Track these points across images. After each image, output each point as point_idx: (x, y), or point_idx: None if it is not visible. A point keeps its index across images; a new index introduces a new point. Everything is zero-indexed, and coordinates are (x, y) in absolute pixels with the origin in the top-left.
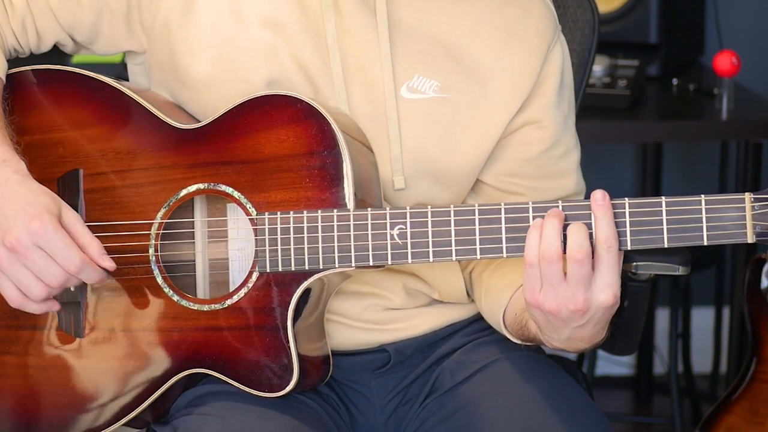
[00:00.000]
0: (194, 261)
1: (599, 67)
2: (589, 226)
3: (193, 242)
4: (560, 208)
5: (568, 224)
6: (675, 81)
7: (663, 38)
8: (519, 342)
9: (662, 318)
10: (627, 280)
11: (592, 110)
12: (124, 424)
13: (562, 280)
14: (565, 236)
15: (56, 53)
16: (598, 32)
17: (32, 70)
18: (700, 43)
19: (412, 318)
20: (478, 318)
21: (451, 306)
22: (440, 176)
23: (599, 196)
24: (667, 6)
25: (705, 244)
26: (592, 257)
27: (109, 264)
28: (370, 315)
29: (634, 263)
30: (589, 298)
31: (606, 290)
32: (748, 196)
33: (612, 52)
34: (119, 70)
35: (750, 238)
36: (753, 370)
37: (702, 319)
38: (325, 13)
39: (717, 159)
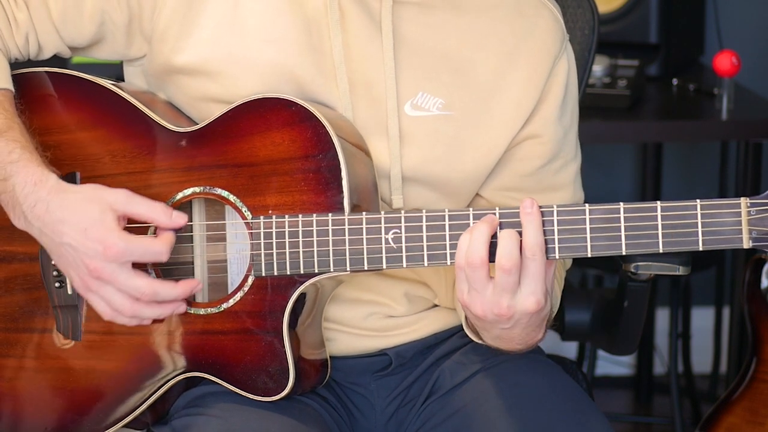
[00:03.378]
0: (193, 264)
1: (599, 67)
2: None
3: (192, 245)
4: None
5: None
6: (675, 81)
7: (663, 38)
8: (480, 341)
9: (662, 318)
10: (627, 280)
11: (592, 110)
12: (123, 426)
13: (485, 285)
14: (496, 243)
15: (56, 55)
16: (598, 32)
17: (29, 72)
18: (700, 43)
19: (414, 323)
20: None
21: (453, 309)
22: (440, 189)
23: (527, 204)
24: (667, 6)
25: (700, 249)
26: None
27: (181, 220)
28: (372, 323)
29: (634, 263)
30: (513, 305)
31: (529, 297)
32: (744, 201)
33: (612, 52)
34: (118, 71)
35: (746, 243)
36: (753, 370)
37: (702, 319)
38: (332, 29)
39: (717, 159)
